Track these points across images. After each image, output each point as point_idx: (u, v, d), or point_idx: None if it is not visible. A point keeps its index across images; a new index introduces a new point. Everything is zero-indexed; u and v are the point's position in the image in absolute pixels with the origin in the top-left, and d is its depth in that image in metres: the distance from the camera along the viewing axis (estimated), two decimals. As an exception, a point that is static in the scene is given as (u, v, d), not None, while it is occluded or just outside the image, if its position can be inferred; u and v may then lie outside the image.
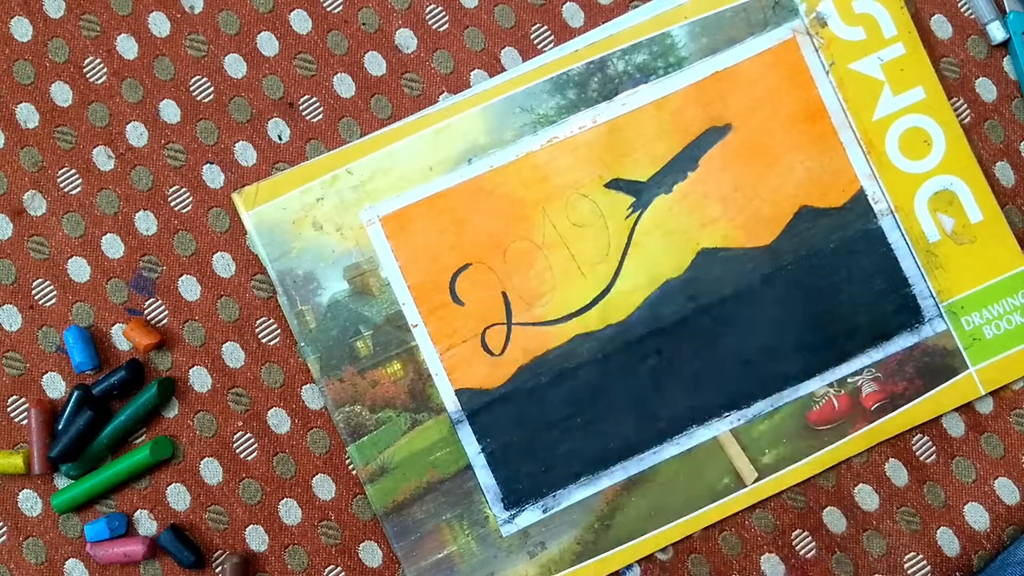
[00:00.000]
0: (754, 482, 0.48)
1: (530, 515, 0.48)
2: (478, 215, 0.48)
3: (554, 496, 0.48)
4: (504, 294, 0.48)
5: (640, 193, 0.49)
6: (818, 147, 0.49)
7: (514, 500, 0.48)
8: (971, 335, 0.49)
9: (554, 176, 0.48)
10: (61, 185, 0.50)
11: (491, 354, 0.48)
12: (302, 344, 0.48)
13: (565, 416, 0.48)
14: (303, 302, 0.48)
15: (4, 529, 0.48)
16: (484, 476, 0.48)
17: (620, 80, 0.49)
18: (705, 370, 0.48)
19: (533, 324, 0.48)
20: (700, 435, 0.48)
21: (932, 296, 0.49)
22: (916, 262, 0.49)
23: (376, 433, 0.48)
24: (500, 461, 0.48)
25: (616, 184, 0.49)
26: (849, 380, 0.48)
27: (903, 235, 0.49)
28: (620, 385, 0.48)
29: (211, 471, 0.49)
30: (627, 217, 0.49)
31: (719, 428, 0.48)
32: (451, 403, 0.48)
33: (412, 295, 0.48)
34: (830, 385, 0.48)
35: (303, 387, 0.49)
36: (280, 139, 0.50)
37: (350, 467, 0.48)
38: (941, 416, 0.49)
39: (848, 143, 0.49)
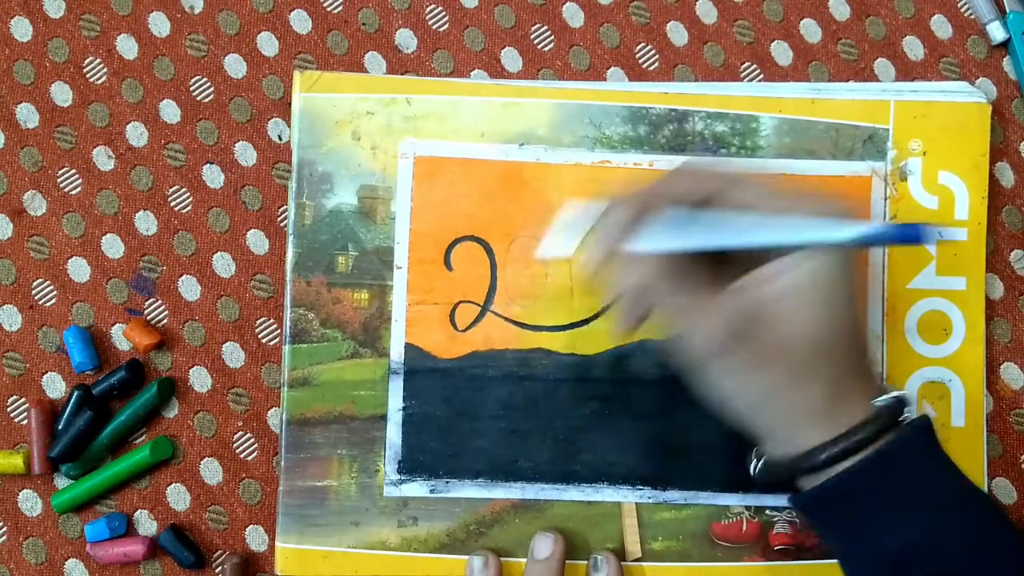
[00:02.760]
0: (634, 561, 0.47)
1: (416, 488, 0.47)
2: (504, 197, 0.48)
3: (446, 482, 0.48)
4: (493, 279, 0.48)
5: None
6: (844, 287, 0.49)
7: (408, 468, 0.47)
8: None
9: (590, 195, 0.48)
10: (61, 185, 0.50)
11: (455, 327, 0.48)
12: (290, 233, 0.48)
13: (492, 415, 0.48)
14: (309, 197, 0.48)
15: (4, 529, 0.49)
16: (393, 433, 0.48)
17: (693, 139, 0.49)
18: (640, 437, 0.48)
19: (506, 319, 0.48)
20: (607, 494, 0.48)
21: (882, 474, 0.48)
22: (882, 435, 0.48)
23: (316, 346, 0.48)
24: (413, 426, 0.48)
25: (642, 230, 0.48)
26: (768, 511, 0.48)
27: (882, 405, 0.48)
28: (557, 413, 0.48)
29: (211, 471, 0.49)
30: (638, 265, 0.48)
31: (627, 496, 0.48)
32: (396, 353, 0.48)
33: (409, 239, 0.48)
34: (747, 507, 0.48)
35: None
36: (280, 139, 0.50)
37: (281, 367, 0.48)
38: None
39: (873, 297, 0.49)
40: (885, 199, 0.49)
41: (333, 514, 0.47)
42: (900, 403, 0.39)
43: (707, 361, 0.39)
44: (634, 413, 0.48)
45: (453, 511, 0.48)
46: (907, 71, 0.51)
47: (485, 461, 0.48)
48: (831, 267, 0.38)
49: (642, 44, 0.51)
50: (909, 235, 0.35)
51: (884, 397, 0.39)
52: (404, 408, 0.48)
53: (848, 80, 0.51)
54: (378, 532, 0.47)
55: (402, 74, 0.50)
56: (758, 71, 0.51)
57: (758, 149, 0.49)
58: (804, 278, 0.38)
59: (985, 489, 0.48)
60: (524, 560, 0.47)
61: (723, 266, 0.41)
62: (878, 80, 0.51)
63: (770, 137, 0.49)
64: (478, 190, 0.48)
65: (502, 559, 0.47)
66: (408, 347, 0.48)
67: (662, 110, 0.49)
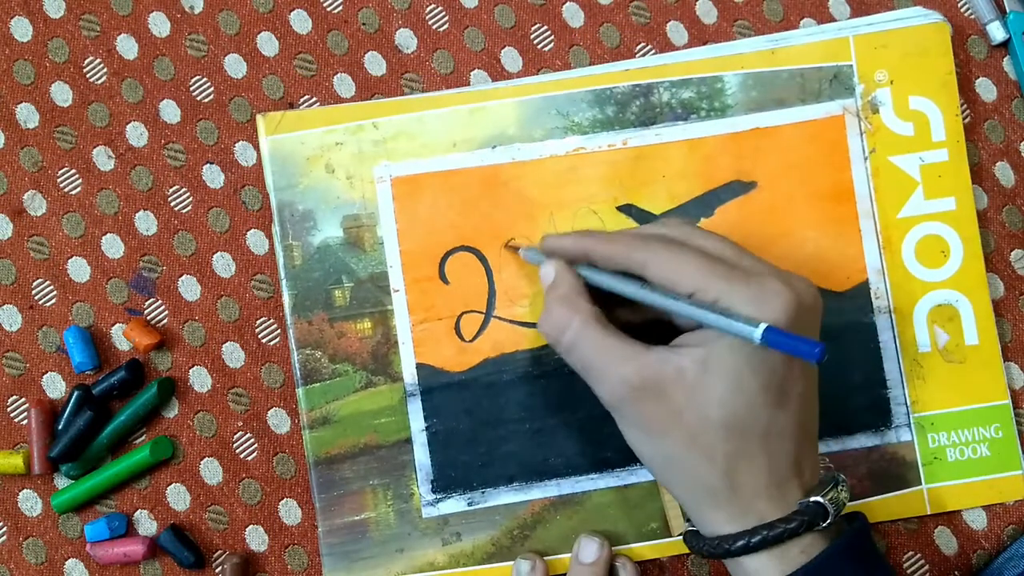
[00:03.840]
0: (680, 535, 0.48)
1: (454, 504, 0.48)
2: (487, 202, 0.48)
3: (482, 493, 0.48)
4: (491, 285, 0.48)
5: (649, 224, 0.48)
6: (836, 228, 0.49)
7: (443, 486, 0.48)
8: (933, 453, 0.48)
9: (570, 185, 0.48)
10: (61, 185, 0.50)
11: (461, 339, 0.48)
12: (283, 277, 0.48)
13: (515, 419, 0.48)
14: (295, 237, 0.48)
15: (4, 529, 0.49)
16: (421, 454, 0.48)
17: (661, 111, 0.49)
18: (664, 413, 0.48)
19: (511, 321, 0.48)
20: (642, 475, 0.48)
21: (906, 404, 0.48)
22: (900, 367, 0.48)
23: (329, 383, 0.48)
24: (440, 444, 0.48)
25: (628, 209, 0.48)
26: (801, 463, 0.48)
27: (895, 337, 0.49)
28: (578, 405, 0.48)
29: (211, 471, 0.49)
30: (630, 244, 0.48)
31: (662, 473, 0.48)
32: (409, 375, 0.48)
33: (402, 260, 0.48)
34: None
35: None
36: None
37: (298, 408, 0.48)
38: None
39: (867, 233, 0.49)
40: (861, 134, 0.49)
41: (376, 545, 0.47)
42: (822, 508, 0.39)
43: (613, 412, 0.41)
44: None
45: (494, 519, 0.48)
46: (862, 8, 0.51)
47: (516, 465, 0.48)
48: (740, 354, 0.38)
49: (642, 44, 0.51)
50: (806, 353, 0.35)
51: (807, 500, 0.39)
52: (427, 428, 0.48)
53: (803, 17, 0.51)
54: (424, 554, 0.47)
55: (372, 98, 0.50)
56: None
57: (727, 108, 0.49)
58: (712, 355, 0.38)
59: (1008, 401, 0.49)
60: (569, 557, 0.47)
61: (648, 329, 0.42)
62: (834, 19, 0.51)
63: (737, 95, 0.49)
64: (460, 200, 0.48)
65: (551, 557, 0.47)
66: (420, 367, 0.48)
67: (626, 87, 0.49)
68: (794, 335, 0.35)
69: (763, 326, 0.36)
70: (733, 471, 0.39)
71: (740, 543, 0.38)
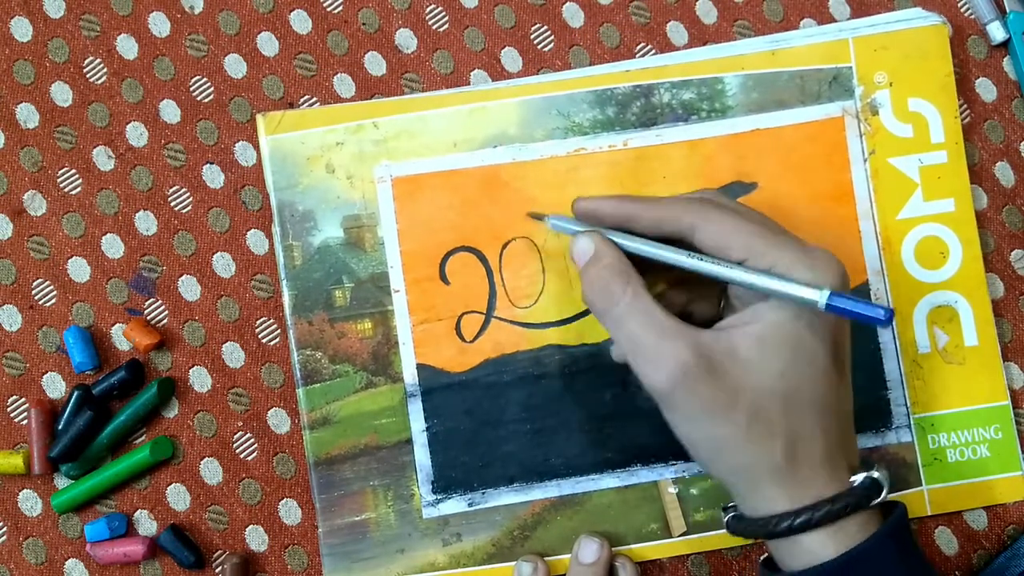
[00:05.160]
0: (681, 535, 0.48)
1: (455, 504, 0.47)
2: (488, 202, 0.48)
3: (483, 493, 0.48)
4: (491, 285, 0.48)
5: (650, 225, 0.48)
6: (836, 229, 0.49)
7: (443, 486, 0.47)
8: (933, 454, 0.48)
9: (571, 185, 0.48)
10: (61, 185, 0.50)
11: (462, 339, 0.48)
12: (283, 278, 0.48)
13: (516, 419, 0.48)
14: (295, 237, 0.48)
15: (4, 529, 0.48)
16: (421, 455, 0.48)
17: (662, 111, 0.49)
18: (664, 414, 0.48)
19: (512, 322, 0.48)
20: (642, 475, 0.48)
21: (906, 405, 0.48)
22: (900, 368, 0.49)
23: (329, 383, 0.48)
24: (440, 445, 0.48)
25: (629, 210, 0.48)
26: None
27: (894, 338, 0.49)
28: (578, 405, 0.48)
29: (211, 471, 0.49)
30: (631, 245, 0.48)
31: (663, 474, 0.48)
32: (410, 375, 0.48)
33: (402, 261, 0.48)
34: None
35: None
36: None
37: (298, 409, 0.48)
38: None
39: (866, 234, 0.49)
40: (860, 136, 0.49)
41: (377, 545, 0.47)
42: (876, 484, 0.38)
43: (663, 398, 0.39)
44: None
45: (494, 520, 0.48)
46: (862, 8, 0.51)
47: (517, 465, 0.48)
48: (801, 322, 0.37)
49: (642, 44, 0.51)
50: (874, 316, 0.35)
51: (860, 476, 0.39)
52: (427, 428, 0.48)
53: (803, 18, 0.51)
54: (424, 555, 0.47)
55: (372, 98, 0.50)
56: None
57: (728, 109, 0.49)
58: (769, 329, 0.37)
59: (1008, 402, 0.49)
60: (569, 558, 0.47)
61: (695, 304, 0.42)
62: (834, 20, 0.51)
63: (737, 96, 0.49)
64: (460, 200, 0.48)
65: (551, 558, 0.47)
66: (420, 367, 0.48)
67: (627, 88, 0.49)
68: (860, 299, 0.35)
69: (827, 290, 0.36)
70: (794, 446, 0.38)
71: (802, 519, 0.37)
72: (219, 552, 0.48)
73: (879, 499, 0.38)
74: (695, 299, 0.43)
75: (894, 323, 0.49)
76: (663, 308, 0.38)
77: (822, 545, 0.38)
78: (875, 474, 0.38)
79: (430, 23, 0.51)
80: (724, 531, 0.47)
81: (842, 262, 0.38)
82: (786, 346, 0.37)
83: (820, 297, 0.36)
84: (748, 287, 0.38)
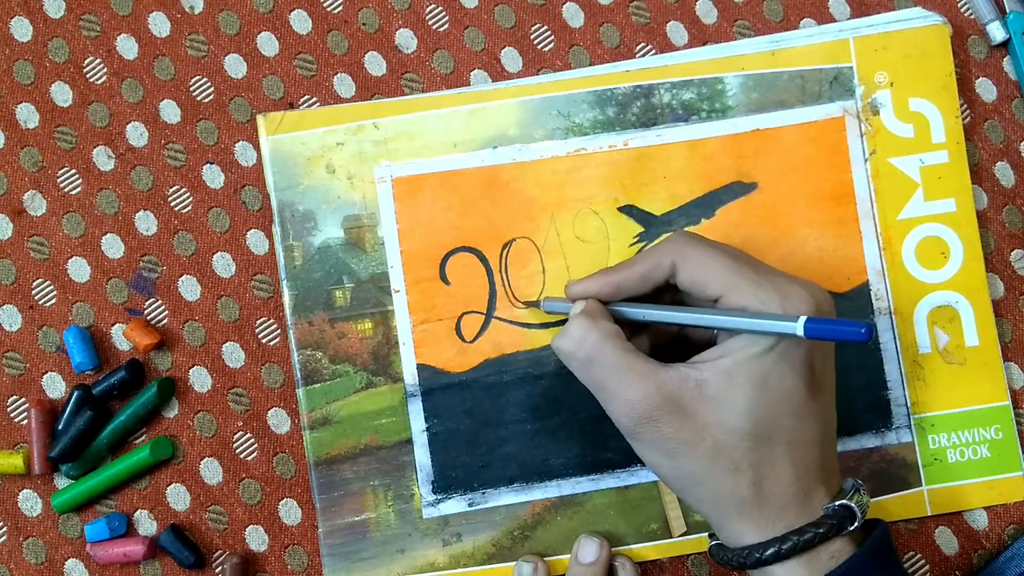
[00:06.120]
0: (681, 535, 0.48)
1: (455, 505, 0.48)
2: (488, 203, 0.48)
3: (483, 493, 0.48)
4: (491, 285, 0.48)
5: (650, 225, 0.48)
6: (837, 229, 0.49)
7: (443, 486, 0.48)
8: (934, 454, 0.48)
9: (571, 186, 0.48)
10: (61, 185, 0.50)
11: (462, 340, 0.48)
12: (283, 278, 0.48)
13: (516, 419, 0.48)
14: (295, 237, 0.48)
15: (4, 529, 0.48)
16: (421, 455, 0.48)
17: (662, 112, 0.49)
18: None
19: (512, 322, 0.48)
20: (642, 476, 0.48)
21: (906, 406, 0.48)
22: (900, 368, 0.48)
23: (329, 383, 0.48)
24: (440, 445, 0.48)
25: (629, 210, 0.48)
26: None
27: (895, 338, 0.49)
28: (579, 406, 0.48)
29: (211, 471, 0.49)
30: (631, 245, 0.48)
31: (662, 474, 0.48)
32: (410, 375, 0.48)
33: (402, 261, 0.48)
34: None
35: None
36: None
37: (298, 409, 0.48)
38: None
39: (867, 234, 0.49)
40: (861, 136, 0.49)
41: (377, 545, 0.47)
42: (850, 510, 0.39)
43: (628, 435, 0.40)
44: (654, 391, 0.48)
45: (494, 520, 0.48)
46: (862, 8, 0.51)
47: (516, 466, 0.48)
48: (772, 355, 0.38)
49: (642, 44, 0.51)
50: (854, 337, 0.35)
51: (836, 503, 0.39)
52: (427, 428, 0.48)
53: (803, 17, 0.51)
54: (424, 555, 0.47)
55: (372, 98, 0.50)
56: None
57: (728, 109, 0.49)
58: (738, 364, 0.38)
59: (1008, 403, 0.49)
60: (569, 558, 0.47)
61: (690, 328, 0.42)
62: (834, 20, 0.51)
63: (738, 96, 0.49)
64: (461, 200, 0.48)
65: (551, 558, 0.47)
66: (420, 368, 0.48)
67: (627, 88, 0.49)
68: (837, 319, 0.35)
69: (803, 318, 0.36)
70: (760, 480, 0.38)
71: (771, 551, 0.38)
72: (219, 552, 0.48)
73: (853, 526, 0.39)
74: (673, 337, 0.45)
75: (894, 323, 0.48)
76: (632, 348, 0.40)
77: (794, 575, 0.38)
78: (848, 502, 0.39)
79: (430, 23, 0.51)
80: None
81: (820, 286, 0.40)
82: (754, 381, 0.38)
83: (797, 327, 0.36)
84: (730, 330, 0.39)
